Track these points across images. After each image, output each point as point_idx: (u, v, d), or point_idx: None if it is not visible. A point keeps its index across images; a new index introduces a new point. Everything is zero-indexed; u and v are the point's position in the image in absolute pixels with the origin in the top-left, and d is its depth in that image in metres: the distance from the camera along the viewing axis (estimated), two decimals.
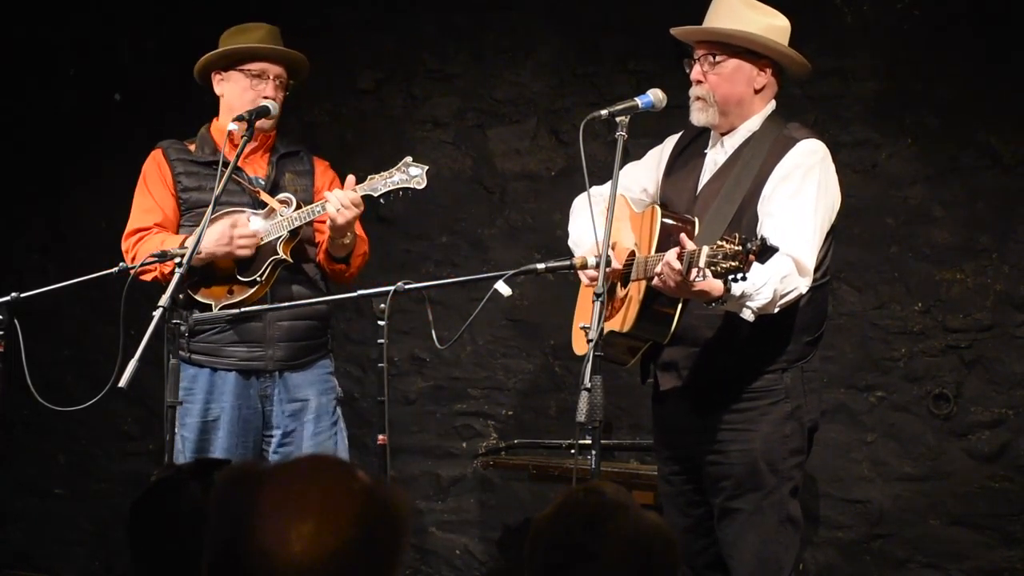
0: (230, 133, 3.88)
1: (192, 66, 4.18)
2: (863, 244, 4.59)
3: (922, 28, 4.55)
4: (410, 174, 3.87)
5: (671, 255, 3.07)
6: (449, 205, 5.17)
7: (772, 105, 3.52)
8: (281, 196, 3.99)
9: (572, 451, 4.04)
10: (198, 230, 3.69)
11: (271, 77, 4.03)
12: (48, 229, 5.81)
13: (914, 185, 4.58)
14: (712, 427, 3.43)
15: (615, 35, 4.96)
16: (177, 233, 4.03)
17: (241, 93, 4.03)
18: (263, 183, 4.05)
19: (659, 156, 3.72)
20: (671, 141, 3.71)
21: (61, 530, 5.73)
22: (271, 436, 4.05)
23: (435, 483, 5.22)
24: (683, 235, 3.13)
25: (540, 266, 3.49)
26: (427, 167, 3.89)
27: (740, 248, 2.84)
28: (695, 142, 3.62)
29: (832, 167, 3.45)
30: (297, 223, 3.92)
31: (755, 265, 2.88)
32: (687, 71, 3.51)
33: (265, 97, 3.99)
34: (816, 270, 3.35)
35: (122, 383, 3.32)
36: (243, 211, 3.98)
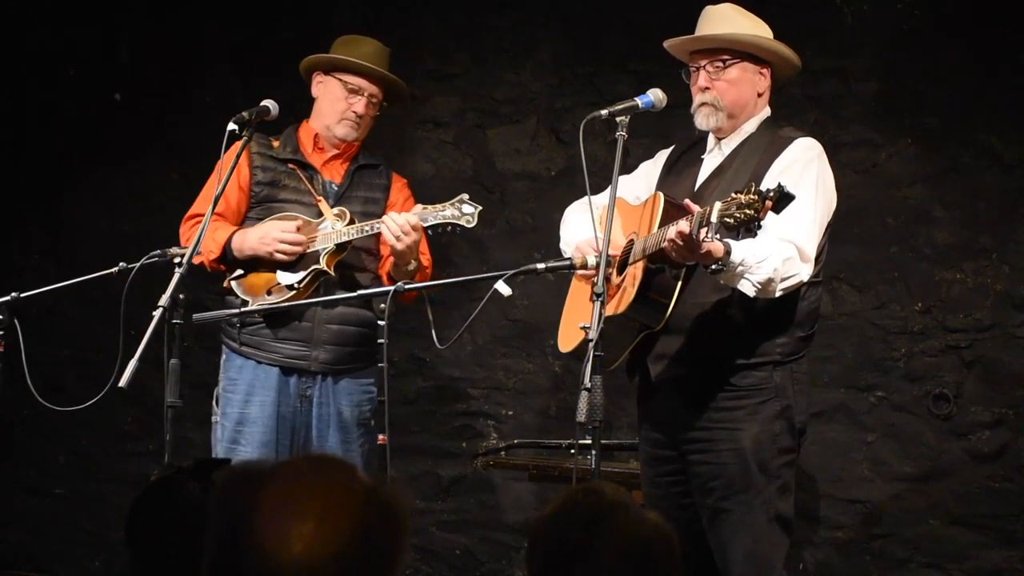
0: (231, 132, 3.87)
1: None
2: (863, 244, 4.59)
3: (922, 28, 4.55)
4: (462, 211, 3.89)
5: (682, 222, 3.08)
6: None
7: (768, 109, 3.57)
8: (336, 210, 4.03)
9: (572, 451, 4.03)
10: (199, 230, 3.68)
11: (366, 95, 4.10)
12: (48, 229, 5.81)
13: (914, 185, 4.58)
14: (701, 426, 3.42)
15: (615, 35, 4.96)
16: (242, 225, 4.09)
17: (334, 101, 4.10)
18: (336, 189, 4.11)
19: (652, 167, 3.76)
20: (662, 155, 3.76)
21: (61, 530, 5.73)
22: (303, 438, 4.08)
23: (435, 483, 5.23)
24: (688, 203, 3.15)
25: (540, 266, 3.49)
26: (480, 208, 3.91)
27: (756, 197, 2.85)
28: (690, 151, 3.66)
29: (828, 165, 3.48)
30: (345, 238, 3.96)
31: (759, 235, 2.89)
32: (687, 80, 3.53)
33: (355, 112, 4.08)
34: (814, 263, 3.36)
35: (122, 383, 3.32)
36: (298, 218, 4.03)
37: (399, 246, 3.85)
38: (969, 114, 4.49)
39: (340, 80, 4.11)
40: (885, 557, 4.58)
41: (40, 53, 5.78)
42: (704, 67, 3.49)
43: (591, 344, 3.03)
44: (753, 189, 2.87)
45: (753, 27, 3.52)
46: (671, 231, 3.10)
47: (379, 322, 3.51)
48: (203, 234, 3.64)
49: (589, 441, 3.09)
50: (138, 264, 3.80)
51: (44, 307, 5.00)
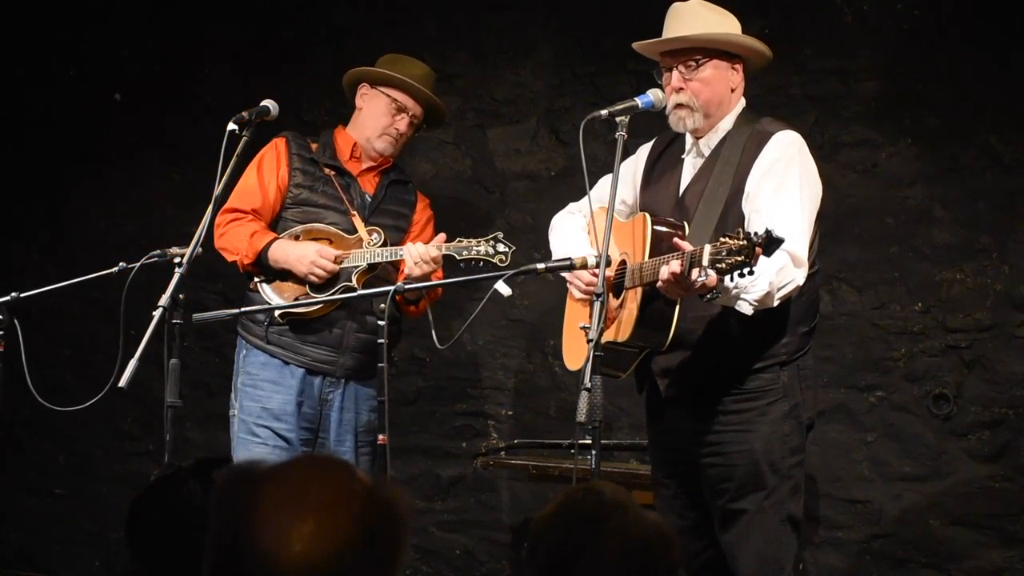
0: (231, 132, 3.87)
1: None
2: (863, 244, 4.59)
3: (922, 28, 4.55)
4: (497, 250, 3.96)
5: (674, 262, 3.07)
6: (449, 205, 5.16)
7: (743, 102, 3.56)
8: (370, 228, 4.10)
9: (572, 451, 4.03)
10: (199, 231, 3.68)
11: (410, 114, 4.19)
12: (48, 229, 5.81)
13: (914, 185, 4.58)
14: (711, 429, 3.42)
15: (615, 35, 4.95)
16: (273, 224, 4.15)
17: (379, 116, 4.19)
18: (370, 200, 4.18)
19: (634, 167, 3.73)
20: (643, 151, 3.74)
21: (61, 530, 5.73)
22: (325, 439, 4.12)
23: (435, 483, 5.22)
24: (676, 239, 3.15)
25: (540, 266, 3.48)
26: (514, 248, 3.97)
27: (745, 243, 2.84)
28: (669, 149, 3.64)
29: (810, 156, 3.46)
30: (377, 259, 4.04)
31: (761, 258, 2.89)
32: (658, 80, 3.52)
33: (397, 129, 4.17)
34: (808, 255, 3.36)
35: (122, 383, 3.33)
36: (334, 239, 4.08)
37: (416, 272, 3.95)
38: (969, 114, 4.49)
39: (387, 96, 4.18)
40: (885, 557, 4.58)
41: (40, 53, 5.77)
42: (676, 67, 3.47)
43: (591, 344, 3.03)
44: (742, 234, 2.87)
45: (722, 22, 3.50)
46: (663, 271, 3.10)
47: (379, 322, 3.52)
48: (202, 235, 3.62)
49: (589, 441, 3.10)
50: (138, 264, 3.80)
51: (44, 307, 5.00)
